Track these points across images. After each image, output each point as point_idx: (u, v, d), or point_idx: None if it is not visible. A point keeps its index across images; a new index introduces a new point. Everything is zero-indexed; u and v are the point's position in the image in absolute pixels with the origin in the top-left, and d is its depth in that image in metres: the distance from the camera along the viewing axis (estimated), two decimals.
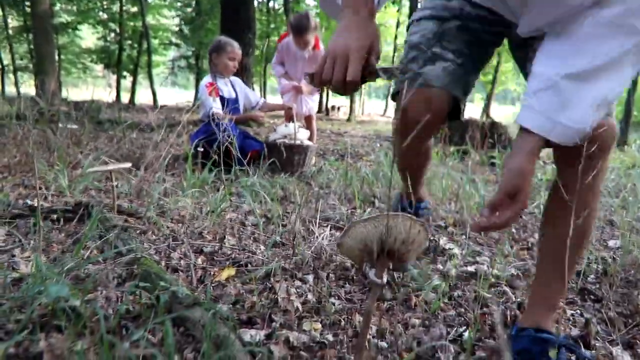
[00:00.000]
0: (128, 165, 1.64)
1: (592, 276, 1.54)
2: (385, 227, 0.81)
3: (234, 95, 3.24)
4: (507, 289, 1.36)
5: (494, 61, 15.75)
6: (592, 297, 1.39)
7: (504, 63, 16.61)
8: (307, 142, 3.06)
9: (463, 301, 1.27)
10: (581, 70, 0.79)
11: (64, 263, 1.16)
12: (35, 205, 1.66)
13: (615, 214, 2.40)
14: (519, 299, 1.29)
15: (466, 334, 1.08)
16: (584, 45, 0.80)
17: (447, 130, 3.74)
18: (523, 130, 0.84)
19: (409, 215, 0.84)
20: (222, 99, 3.09)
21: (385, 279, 0.84)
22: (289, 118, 3.40)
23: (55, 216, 1.59)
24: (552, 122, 0.81)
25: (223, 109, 2.93)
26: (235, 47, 3.16)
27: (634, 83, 7.29)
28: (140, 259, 1.23)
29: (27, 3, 12.95)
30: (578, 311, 1.28)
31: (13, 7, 14.57)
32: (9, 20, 15.48)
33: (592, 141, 0.84)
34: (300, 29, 3.32)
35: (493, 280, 1.42)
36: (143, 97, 17.98)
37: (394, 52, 17.50)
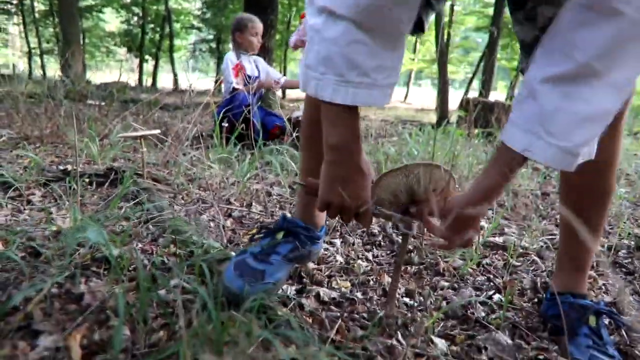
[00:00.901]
0: (157, 131, 1.67)
1: (623, 251, 1.51)
2: (416, 177, 0.81)
3: (256, 74, 3.27)
4: (536, 258, 1.34)
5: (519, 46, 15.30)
6: (623, 269, 1.37)
7: None
8: None
9: (492, 268, 1.26)
10: (563, 71, 0.64)
11: (100, 219, 1.19)
12: (69, 169, 1.70)
13: None
14: (549, 269, 1.28)
15: (496, 297, 1.08)
16: (567, 36, 0.64)
17: (473, 110, 3.68)
18: (502, 146, 0.72)
19: (439, 163, 0.83)
20: (247, 77, 3.12)
21: (415, 230, 0.84)
22: None
23: (87, 180, 1.64)
24: (532, 137, 0.67)
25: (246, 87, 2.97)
26: (257, 22, 3.17)
27: None
28: (172, 218, 1.25)
29: None
30: (610, 281, 1.25)
31: None
32: (35, 4, 15.76)
33: None
34: None
35: (522, 250, 1.41)
36: (164, 81, 18.15)
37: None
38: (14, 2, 15.34)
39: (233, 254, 1.08)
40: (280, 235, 0.99)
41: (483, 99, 4.68)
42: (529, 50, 0.84)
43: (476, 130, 3.86)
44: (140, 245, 1.10)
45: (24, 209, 1.36)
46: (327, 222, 1.45)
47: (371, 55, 0.68)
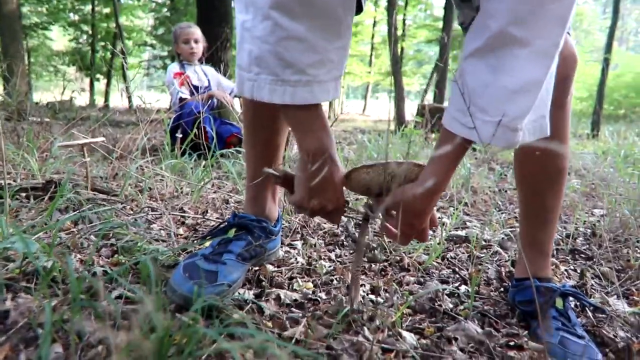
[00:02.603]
0: (102, 139, 1.56)
1: (580, 239, 1.53)
2: (387, 174, 0.76)
3: (206, 83, 3.18)
4: (499, 249, 1.33)
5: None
6: (582, 256, 1.38)
7: None
8: None
9: (456, 261, 1.24)
10: (481, 44, 0.62)
11: (35, 232, 1.08)
12: (2, 184, 1.55)
13: (597, 187, 2.42)
14: (512, 258, 1.27)
15: (462, 288, 1.05)
16: (484, 6, 0.62)
17: (429, 117, 3.74)
18: (444, 131, 0.72)
19: (414, 161, 0.78)
20: (193, 87, 3.03)
21: (377, 213, 0.79)
22: None
23: (24, 194, 1.50)
24: (468, 117, 0.65)
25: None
26: (187, 28, 3.09)
27: (603, 72, 7.38)
28: (117, 228, 1.15)
29: None
30: (571, 267, 1.26)
31: None
32: None
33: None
34: None
35: (484, 243, 1.40)
36: (117, 100, 17.59)
37: (372, 50, 17.60)
38: None
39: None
40: (232, 233, 0.92)
41: (438, 105, 4.79)
42: None
43: (433, 135, 3.93)
44: (79, 256, 1.00)
45: None
46: (288, 224, 1.39)
47: (308, 51, 0.64)
